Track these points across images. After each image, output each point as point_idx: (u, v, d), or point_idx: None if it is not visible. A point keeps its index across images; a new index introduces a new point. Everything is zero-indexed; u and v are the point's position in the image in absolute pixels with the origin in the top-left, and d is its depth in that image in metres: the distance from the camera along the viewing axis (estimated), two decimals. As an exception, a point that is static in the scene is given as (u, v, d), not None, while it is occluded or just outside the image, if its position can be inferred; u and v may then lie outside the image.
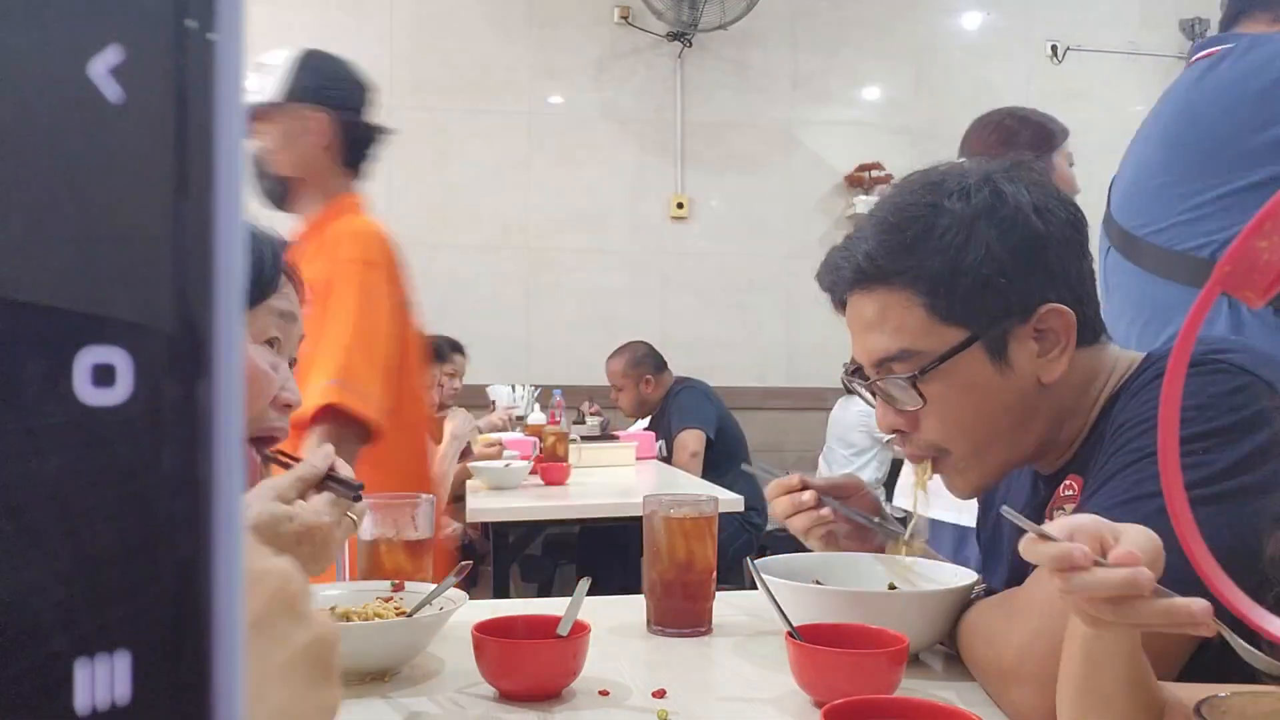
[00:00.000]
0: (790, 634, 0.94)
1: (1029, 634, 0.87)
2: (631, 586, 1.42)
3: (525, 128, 4.73)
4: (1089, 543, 0.64)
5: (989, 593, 1.04)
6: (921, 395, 0.99)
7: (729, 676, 1.05)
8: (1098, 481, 0.93)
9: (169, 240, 0.18)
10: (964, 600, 1.03)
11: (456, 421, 2.76)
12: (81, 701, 0.17)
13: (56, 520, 0.17)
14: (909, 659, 0.93)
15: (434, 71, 4.63)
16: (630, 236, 4.80)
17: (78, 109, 0.17)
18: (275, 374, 1.07)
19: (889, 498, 4.12)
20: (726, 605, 1.25)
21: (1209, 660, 0.83)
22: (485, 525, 2.88)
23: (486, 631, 0.96)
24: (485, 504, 2.62)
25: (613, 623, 1.20)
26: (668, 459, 3.76)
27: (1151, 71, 5.14)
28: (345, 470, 1.05)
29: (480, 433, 3.45)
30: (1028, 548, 0.66)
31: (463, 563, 1.15)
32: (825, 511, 1.19)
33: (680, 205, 4.82)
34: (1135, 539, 0.64)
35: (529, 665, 0.94)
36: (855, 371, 1.08)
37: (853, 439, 4.13)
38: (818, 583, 1.15)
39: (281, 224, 1.65)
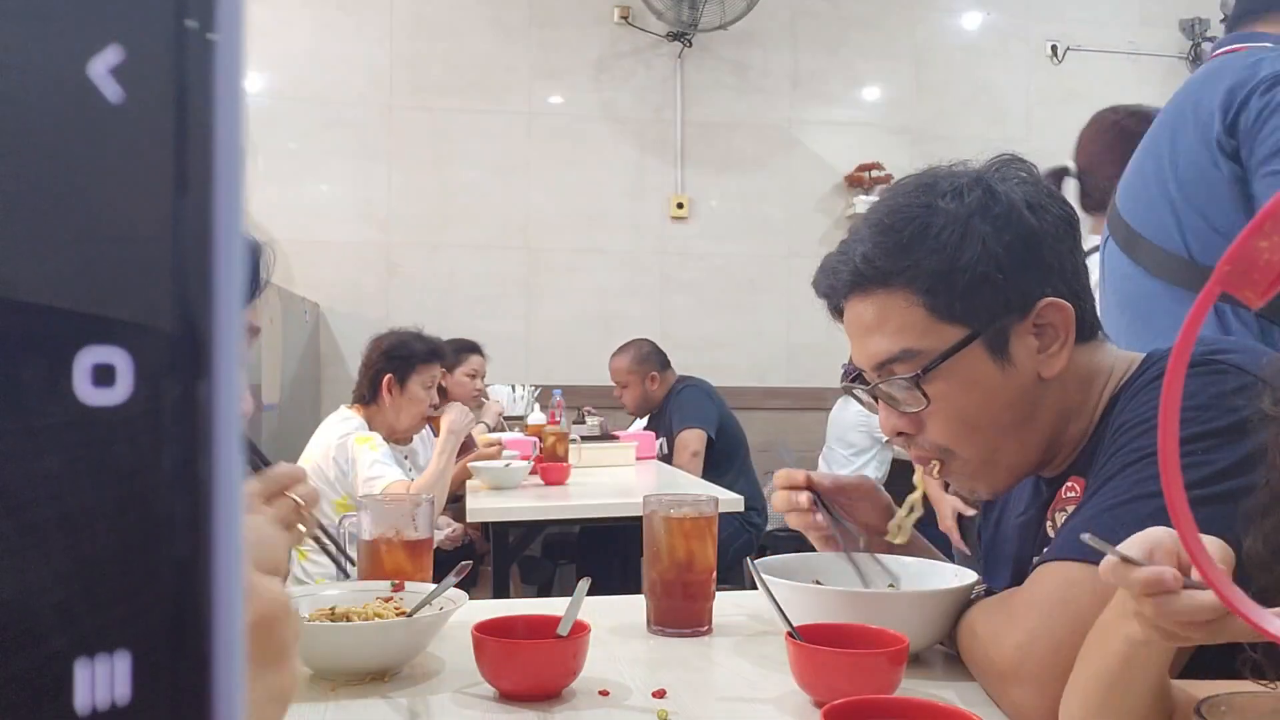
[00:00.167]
0: (790, 634, 0.94)
1: (1028, 634, 0.87)
2: (631, 586, 1.42)
3: (525, 128, 4.73)
4: (1170, 560, 0.62)
5: (989, 593, 1.04)
6: (925, 395, 0.99)
7: (729, 676, 1.05)
8: (1098, 482, 0.93)
9: (169, 240, 0.18)
10: (964, 600, 1.03)
11: (452, 416, 2.74)
12: (81, 701, 0.17)
13: (56, 520, 0.17)
14: (909, 659, 0.93)
15: (434, 71, 4.63)
16: (630, 236, 4.80)
17: (78, 109, 0.17)
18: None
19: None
20: (726, 605, 1.25)
21: (1209, 660, 0.83)
22: (485, 525, 2.88)
23: (486, 631, 0.96)
24: (485, 504, 2.62)
25: (613, 623, 1.20)
26: (668, 457, 3.76)
27: (1151, 71, 5.14)
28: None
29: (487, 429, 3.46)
30: (1111, 573, 0.63)
31: (462, 563, 1.15)
32: (819, 518, 1.19)
33: (680, 205, 4.82)
34: (1220, 554, 0.62)
35: (529, 665, 0.94)
36: (855, 377, 1.08)
37: (852, 439, 4.12)
38: (818, 583, 1.15)
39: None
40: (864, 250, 1.01)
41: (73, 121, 0.17)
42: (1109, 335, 1.08)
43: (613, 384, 4.05)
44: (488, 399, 3.97)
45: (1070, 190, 2.22)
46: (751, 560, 1.09)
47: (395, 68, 4.58)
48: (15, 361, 0.17)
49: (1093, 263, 1.35)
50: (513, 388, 4.33)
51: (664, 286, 4.83)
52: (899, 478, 4.06)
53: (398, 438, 2.92)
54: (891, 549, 1.21)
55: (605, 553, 3.48)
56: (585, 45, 4.78)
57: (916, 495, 1.19)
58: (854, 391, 1.09)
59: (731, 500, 2.58)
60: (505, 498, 2.74)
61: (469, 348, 3.87)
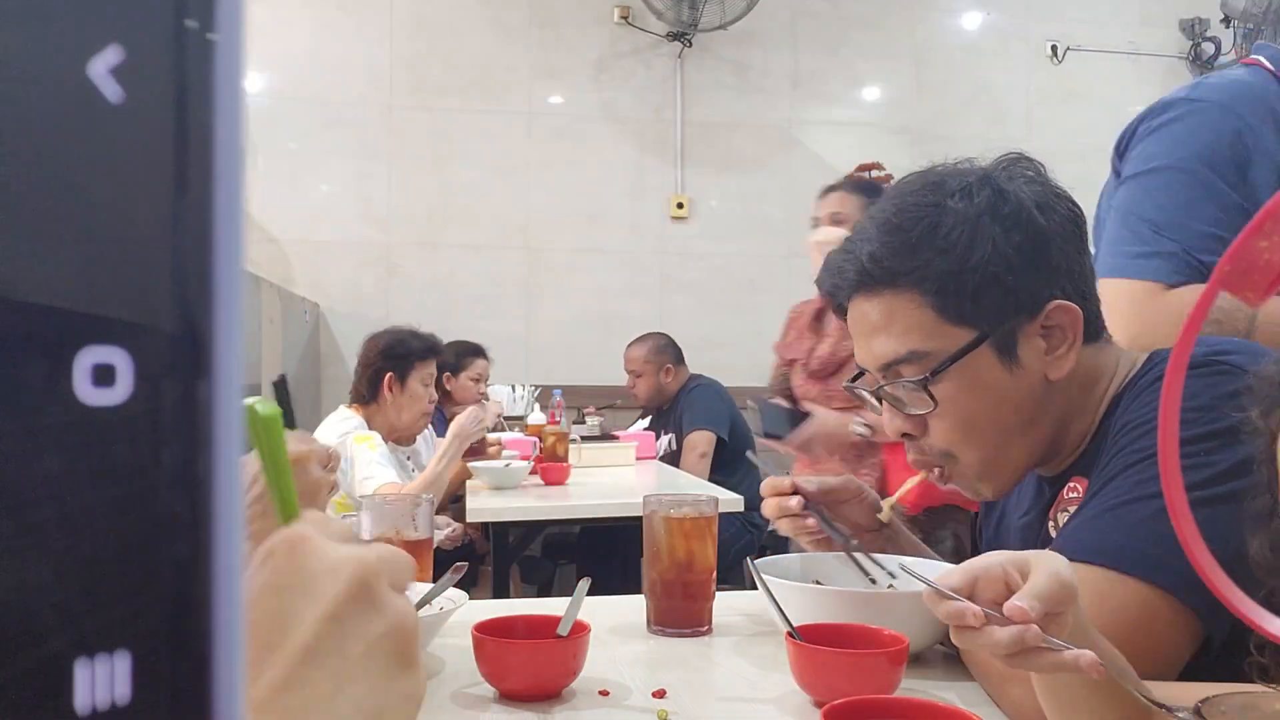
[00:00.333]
0: (790, 634, 0.94)
1: (1029, 634, 0.87)
2: (631, 586, 1.42)
3: (525, 128, 4.73)
4: (993, 588, 0.66)
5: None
6: (932, 398, 0.98)
7: (729, 676, 1.05)
8: (1100, 482, 0.93)
9: (169, 240, 0.18)
10: (964, 600, 1.03)
11: (462, 420, 2.73)
12: (81, 701, 0.17)
13: (56, 520, 0.17)
14: (909, 659, 0.93)
15: (434, 71, 4.63)
16: (630, 236, 4.81)
17: (78, 109, 0.17)
18: None
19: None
20: (726, 605, 1.25)
21: (1209, 660, 0.83)
22: (485, 525, 2.88)
23: (486, 631, 0.96)
24: (485, 504, 2.62)
25: (613, 623, 1.20)
26: (676, 454, 3.75)
27: (1151, 71, 5.14)
28: None
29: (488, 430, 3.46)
30: (929, 601, 0.68)
31: (457, 563, 1.15)
32: (810, 521, 1.19)
33: (680, 205, 4.82)
34: (1038, 584, 0.65)
35: (529, 665, 0.94)
36: (858, 377, 1.07)
37: (853, 439, 4.12)
38: (818, 583, 1.15)
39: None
40: (871, 249, 0.99)
41: (73, 121, 0.17)
42: None
43: (611, 385, 4.05)
44: (488, 399, 3.97)
45: None
46: (751, 560, 1.09)
47: (395, 68, 4.58)
48: (15, 361, 0.17)
49: None
50: (513, 388, 4.33)
51: (664, 286, 4.83)
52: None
53: (399, 437, 2.92)
54: (886, 548, 1.21)
55: (605, 553, 3.47)
56: (585, 45, 4.78)
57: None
58: (857, 392, 1.09)
59: (731, 500, 2.58)
60: (505, 498, 2.74)
61: (473, 351, 3.88)
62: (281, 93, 4.46)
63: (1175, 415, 0.43)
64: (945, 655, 1.07)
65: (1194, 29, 5.19)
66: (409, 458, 3.04)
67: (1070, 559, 0.86)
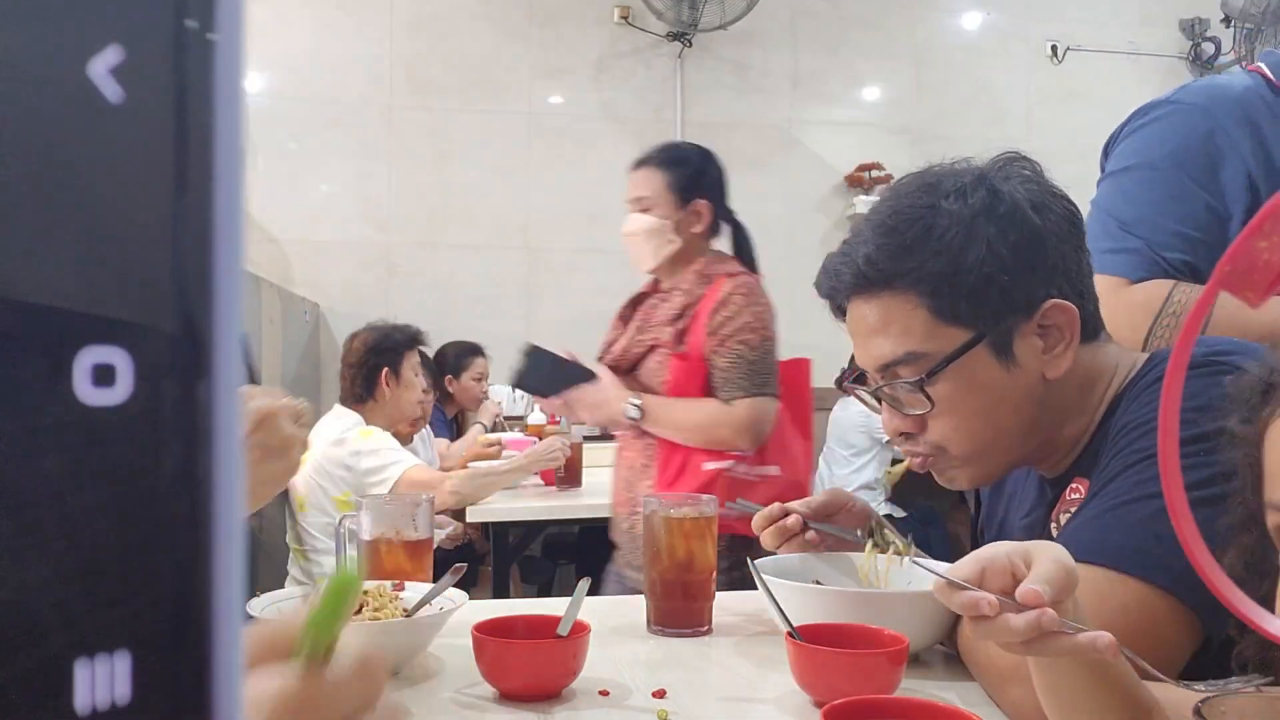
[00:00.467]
0: (790, 634, 0.94)
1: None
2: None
3: (525, 128, 4.73)
4: (1000, 578, 0.66)
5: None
6: (929, 398, 0.99)
7: (729, 676, 1.05)
8: (1100, 482, 0.93)
9: (169, 240, 0.18)
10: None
11: (550, 445, 2.80)
12: (81, 701, 0.17)
13: (56, 520, 0.17)
14: (909, 659, 0.93)
15: (434, 71, 4.63)
16: (630, 236, 4.80)
17: (78, 109, 0.17)
18: None
19: (890, 497, 4.12)
20: (726, 605, 1.25)
21: (1209, 660, 0.83)
22: (485, 525, 2.88)
23: (486, 631, 0.96)
24: (485, 504, 2.62)
25: (613, 623, 1.20)
26: None
27: (1151, 71, 5.14)
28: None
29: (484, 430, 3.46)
30: (939, 593, 0.68)
31: (456, 565, 1.15)
32: (810, 536, 1.20)
33: (680, 205, 4.81)
34: (1044, 570, 0.66)
35: (529, 665, 0.94)
36: (858, 377, 1.08)
37: (852, 439, 4.13)
38: (818, 583, 1.15)
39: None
40: (867, 251, 1.00)
41: (73, 121, 0.17)
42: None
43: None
44: (488, 399, 3.97)
45: None
46: (751, 560, 1.09)
47: (395, 68, 4.58)
48: (15, 361, 0.17)
49: None
50: (513, 388, 4.33)
51: (664, 286, 4.82)
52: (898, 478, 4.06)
53: (398, 430, 2.93)
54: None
55: (605, 553, 3.47)
56: (585, 45, 4.77)
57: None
58: (856, 392, 1.09)
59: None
60: (505, 498, 2.74)
61: (472, 350, 3.88)
62: (281, 93, 4.46)
63: (1175, 415, 0.43)
64: (945, 655, 1.07)
65: (1194, 29, 5.18)
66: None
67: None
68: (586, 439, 3.53)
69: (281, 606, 1.08)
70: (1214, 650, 0.83)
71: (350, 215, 4.54)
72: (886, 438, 1.14)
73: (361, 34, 4.56)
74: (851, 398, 1.29)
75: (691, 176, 2.11)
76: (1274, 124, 1.32)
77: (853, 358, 1.07)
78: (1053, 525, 1.03)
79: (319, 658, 0.36)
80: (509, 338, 4.63)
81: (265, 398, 0.95)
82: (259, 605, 1.06)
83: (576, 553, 3.87)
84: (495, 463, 2.98)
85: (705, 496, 1.23)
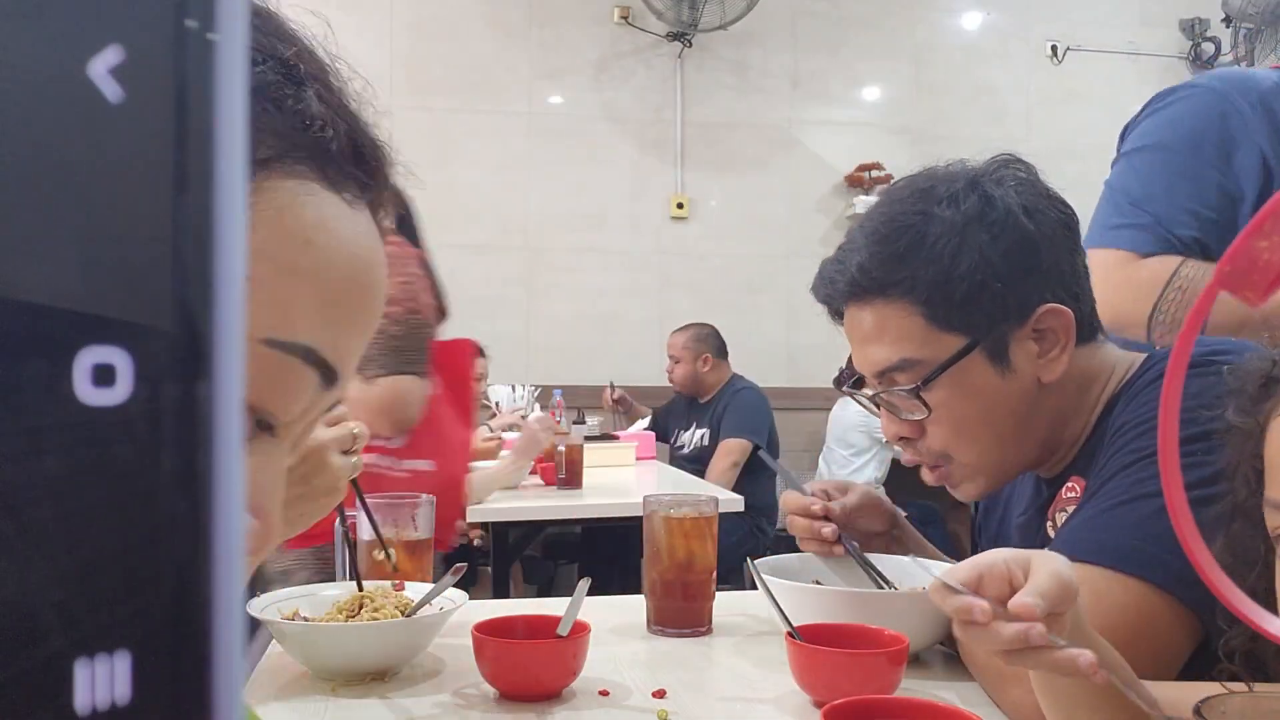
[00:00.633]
0: (790, 634, 0.94)
1: (1029, 634, 0.86)
2: (631, 586, 1.42)
3: (525, 128, 4.73)
4: (997, 585, 0.66)
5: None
6: (926, 404, 0.99)
7: (729, 676, 1.05)
8: (1098, 482, 0.93)
9: (169, 240, 0.18)
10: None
11: (526, 437, 2.76)
12: (81, 701, 0.17)
13: (56, 520, 0.17)
14: (909, 659, 0.93)
15: (434, 71, 4.63)
16: (630, 236, 4.80)
17: (78, 109, 0.17)
18: None
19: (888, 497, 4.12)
20: (726, 605, 1.25)
21: (1209, 660, 0.83)
22: (485, 525, 2.88)
23: (486, 631, 0.96)
24: (485, 504, 2.62)
25: (613, 623, 1.20)
26: (709, 449, 3.73)
27: (1151, 71, 5.14)
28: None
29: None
30: (934, 595, 0.68)
31: (457, 564, 1.15)
32: (838, 549, 1.18)
33: (680, 205, 4.81)
34: (1040, 582, 0.65)
35: (529, 665, 0.94)
36: (856, 381, 1.08)
37: (852, 439, 4.13)
38: (818, 583, 1.15)
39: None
40: (860, 260, 1.00)
41: (73, 121, 0.17)
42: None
43: (606, 385, 4.09)
44: (487, 399, 3.97)
45: None
46: (751, 560, 1.09)
47: (395, 68, 4.58)
48: (15, 361, 0.17)
49: None
50: (513, 388, 4.33)
51: (664, 286, 4.83)
52: (898, 478, 4.06)
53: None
54: (891, 548, 1.21)
55: (605, 553, 3.47)
56: (585, 45, 4.77)
57: None
58: (855, 397, 1.09)
59: (731, 500, 2.58)
60: (505, 498, 2.74)
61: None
62: (281, 93, 4.46)
63: (1175, 415, 0.43)
64: (945, 655, 1.07)
65: (1194, 29, 5.18)
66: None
67: (1069, 559, 0.87)
68: (587, 439, 3.53)
69: (281, 606, 1.08)
70: (1212, 649, 0.83)
71: (350, 215, 4.53)
72: (886, 439, 1.14)
73: (361, 34, 4.56)
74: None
75: None
76: None
77: (850, 358, 1.07)
78: (1048, 524, 1.03)
79: None
80: (509, 338, 4.65)
81: (322, 429, 0.95)
82: (259, 605, 1.06)
83: (577, 553, 3.88)
84: (491, 463, 2.98)
85: (705, 496, 1.22)
